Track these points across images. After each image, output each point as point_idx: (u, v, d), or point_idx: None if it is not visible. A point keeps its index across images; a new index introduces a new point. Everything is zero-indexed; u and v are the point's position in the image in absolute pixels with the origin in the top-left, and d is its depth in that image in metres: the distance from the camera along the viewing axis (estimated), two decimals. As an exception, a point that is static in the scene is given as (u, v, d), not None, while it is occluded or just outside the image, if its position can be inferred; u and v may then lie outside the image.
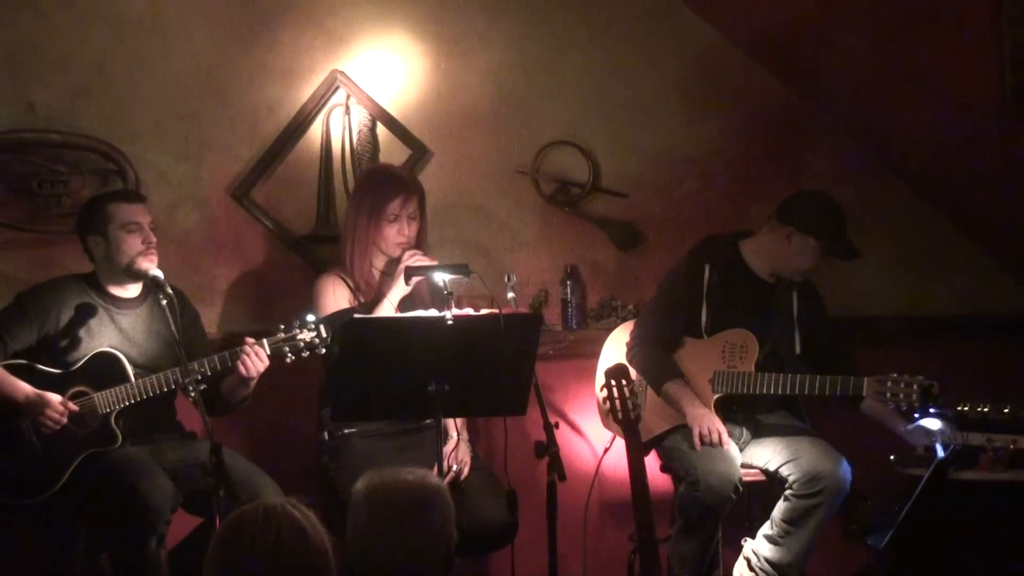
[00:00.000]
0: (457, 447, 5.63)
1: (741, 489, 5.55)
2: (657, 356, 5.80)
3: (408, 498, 3.73)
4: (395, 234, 5.67)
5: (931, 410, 5.63)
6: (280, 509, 3.35)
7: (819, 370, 5.69)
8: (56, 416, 5.18)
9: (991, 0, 5.44)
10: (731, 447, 5.63)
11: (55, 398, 5.19)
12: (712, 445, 5.56)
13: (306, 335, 5.31)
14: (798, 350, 5.87)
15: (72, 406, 5.22)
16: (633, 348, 5.86)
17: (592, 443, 6.36)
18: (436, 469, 4.89)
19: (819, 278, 6.00)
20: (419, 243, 5.73)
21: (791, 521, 5.59)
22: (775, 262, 5.83)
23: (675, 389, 5.71)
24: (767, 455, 5.72)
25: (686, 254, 5.96)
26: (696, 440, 5.57)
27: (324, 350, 5.32)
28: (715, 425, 5.60)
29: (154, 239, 5.41)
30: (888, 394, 5.50)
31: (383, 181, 5.77)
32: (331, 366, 5.45)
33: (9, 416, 5.22)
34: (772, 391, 5.65)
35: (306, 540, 3.32)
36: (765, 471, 5.75)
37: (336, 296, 5.68)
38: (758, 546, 5.69)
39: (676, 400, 5.70)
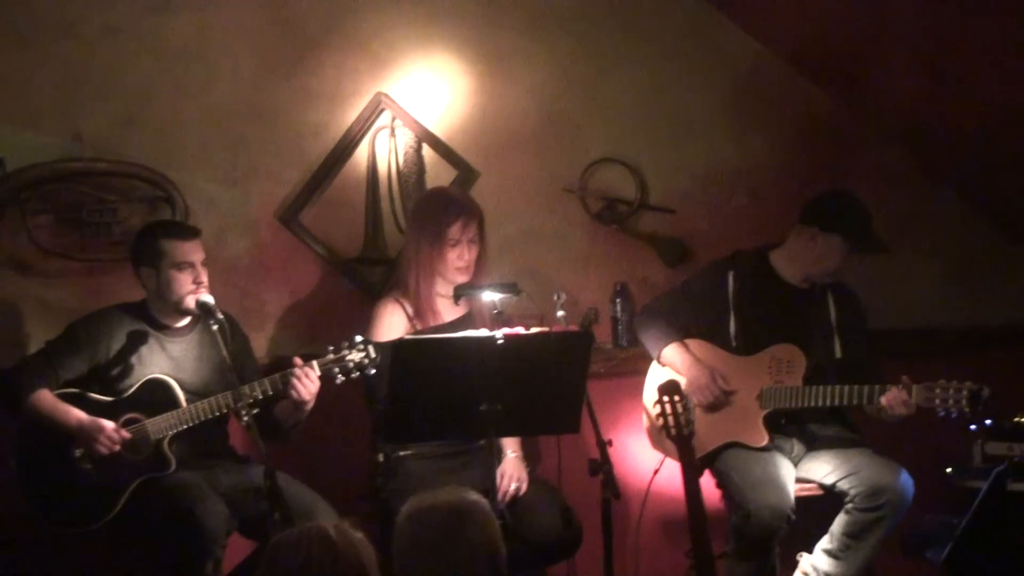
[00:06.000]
0: (512, 465, 5.61)
1: (794, 517, 5.49)
2: (657, 325, 5.93)
3: (445, 516, 3.74)
4: (455, 258, 5.63)
5: (987, 423, 5.58)
6: (315, 531, 3.38)
7: (850, 378, 5.64)
8: (110, 442, 5.18)
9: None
10: (784, 466, 5.61)
11: (109, 424, 5.20)
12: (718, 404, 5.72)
13: (355, 355, 5.30)
14: (838, 355, 5.82)
15: (125, 433, 5.23)
16: (639, 318, 6.09)
17: (645, 460, 6.32)
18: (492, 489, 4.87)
19: (858, 282, 5.99)
20: (479, 266, 5.70)
21: (853, 535, 5.53)
22: (805, 266, 5.82)
23: (671, 353, 5.86)
24: (824, 469, 5.67)
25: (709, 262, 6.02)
26: (701, 408, 5.69)
27: (374, 370, 5.30)
28: (712, 390, 5.71)
29: (205, 278, 5.41)
30: (937, 400, 5.41)
31: (443, 206, 5.72)
32: (382, 387, 5.42)
33: (63, 444, 5.23)
34: (821, 403, 5.60)
35: (336, 562, 3.34)
36: (822, 485, 5.70)
37: (392, 323, 5.68)
38: (817, 560, 5.63)
39: (673, 364, 5.84)
